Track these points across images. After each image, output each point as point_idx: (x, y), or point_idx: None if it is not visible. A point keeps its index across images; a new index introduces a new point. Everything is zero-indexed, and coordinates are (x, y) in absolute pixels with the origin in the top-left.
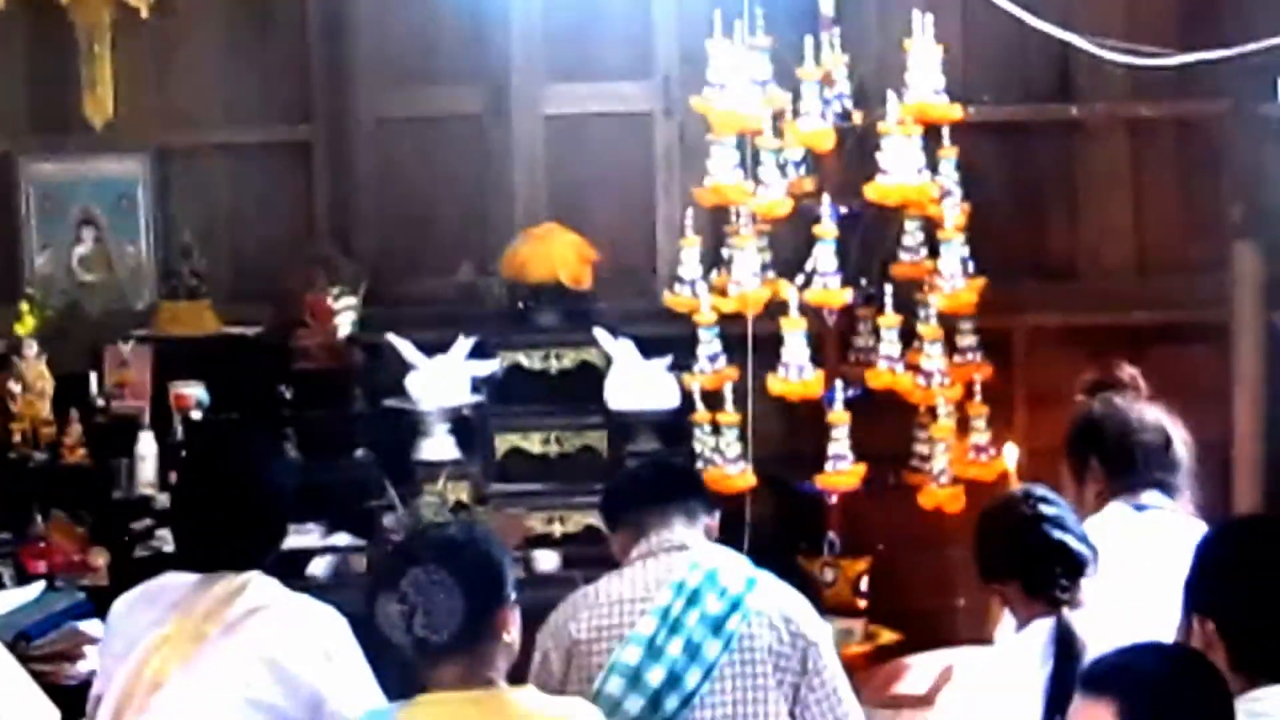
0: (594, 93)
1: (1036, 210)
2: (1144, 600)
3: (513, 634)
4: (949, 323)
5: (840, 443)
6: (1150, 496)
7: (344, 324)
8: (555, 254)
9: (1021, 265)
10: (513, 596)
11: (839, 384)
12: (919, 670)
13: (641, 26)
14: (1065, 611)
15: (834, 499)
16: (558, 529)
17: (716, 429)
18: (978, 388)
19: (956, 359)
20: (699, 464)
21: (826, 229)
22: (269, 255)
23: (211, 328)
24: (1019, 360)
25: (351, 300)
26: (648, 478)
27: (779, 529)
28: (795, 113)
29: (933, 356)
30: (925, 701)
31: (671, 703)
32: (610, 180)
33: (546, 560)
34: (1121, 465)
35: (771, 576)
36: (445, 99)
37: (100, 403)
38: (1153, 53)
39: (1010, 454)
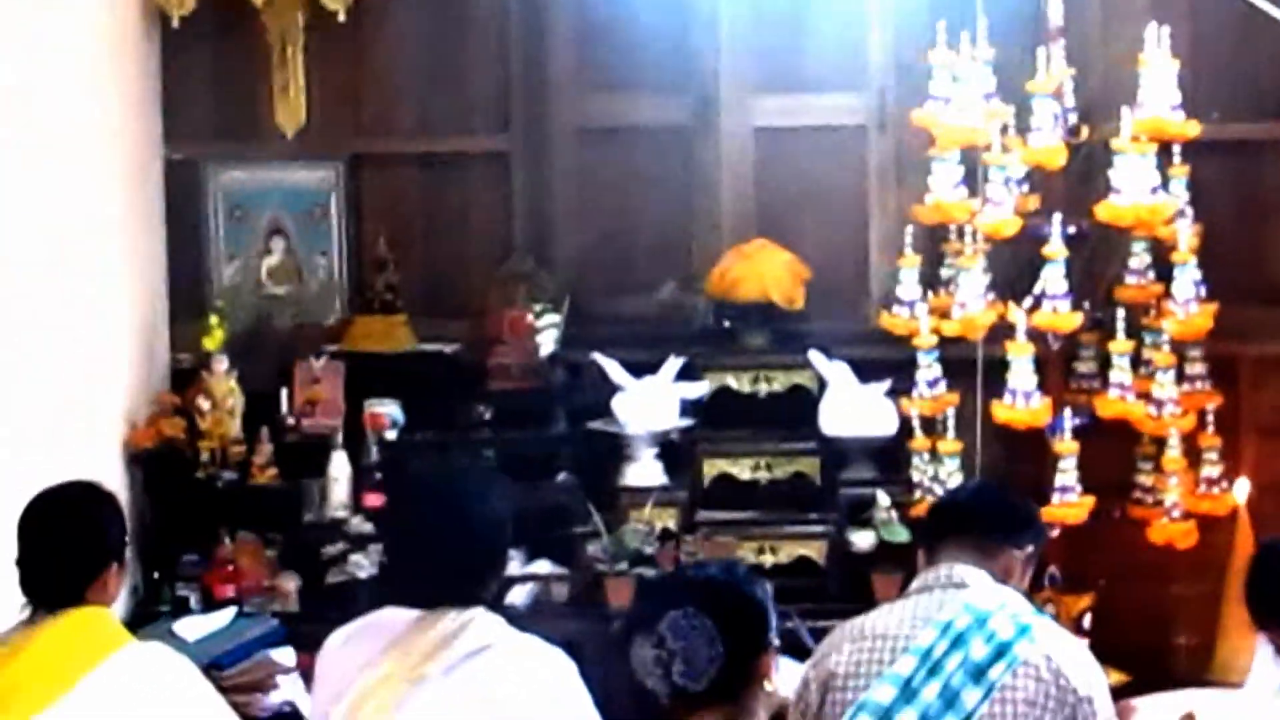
0: (804, 105)
1: (1264, 232)
2: None
3: (775, 681)
4: (1177, 349)
5: (1068, 474)
6: None
7: (545, 342)
8: (766, 272)
9: (1248, 289)
10: (775, 642)
11: (1067, 412)
12: (1150, 714)
13: (854, 37)
14: None
15: (1056, 531)
16: (769, 559)
17: (935, 456)
18: (1210, 417)
19: (1185, 387)
20: (917, 494)
21: (1056, 249)
22: (465, 269)
23: (406, 344)
24: (1245, 389)
25: (554, 318)
26: (958, 503)
27: None
28: (1018, 128)
29: (1165, 385)
30: None
31: None
32: (820, 196)
33: None
34: None
35: (1050, 623)
36: (649, 109)
37: (290, 421)
38: None
39: (1241, 488)
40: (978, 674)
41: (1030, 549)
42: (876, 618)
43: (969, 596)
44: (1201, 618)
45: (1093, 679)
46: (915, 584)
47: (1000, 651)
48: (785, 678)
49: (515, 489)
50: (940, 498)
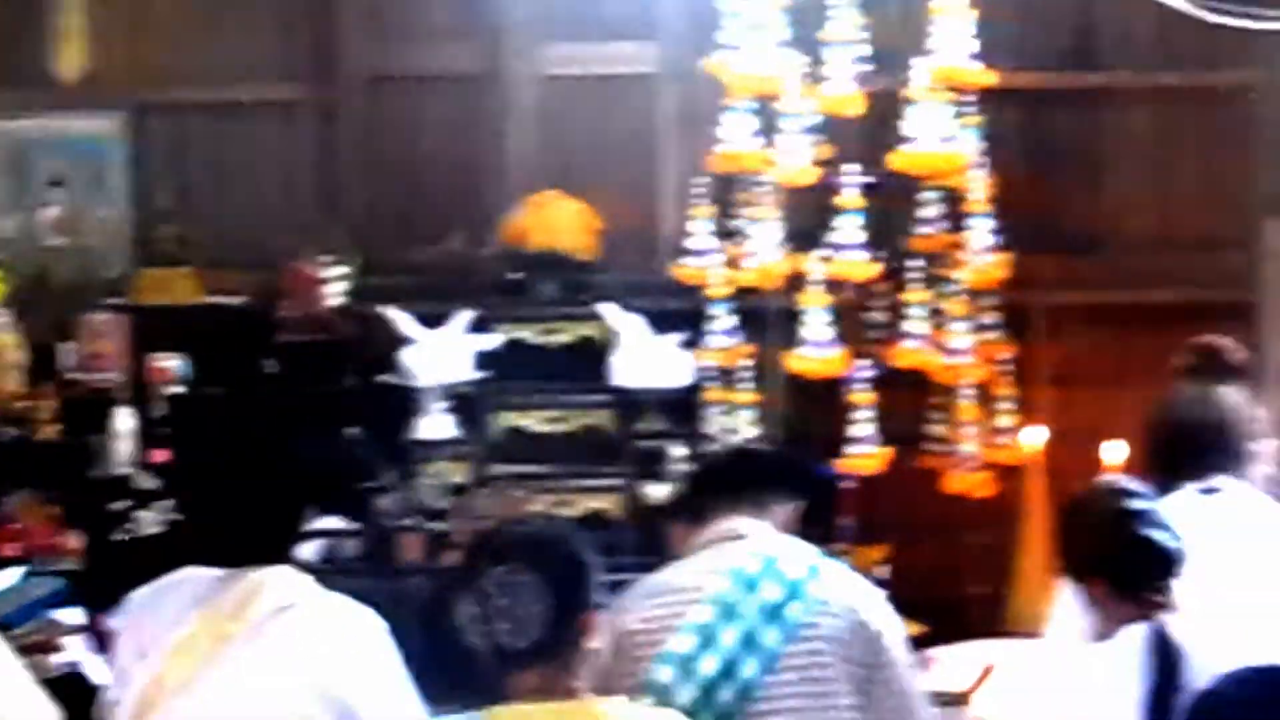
0: (594, 53)
1: (1056, 182)
2: (1228, 593)
3: (597, 640)
4: (971, 299)
5: (864, 424)
6: (1219, 480)
7: (334, 294)
8: (558, 222)
9: (1041, 239)
10: (599, 600)
11: (862, 362)
12: (949, 665)
13: None
14: (1161, 617)
15: (851, 483)
16: (563, 513)
17: (731, 408)
18: (1004, 367)
19: (979, 337)
20: (709, 446)
21: (851, 199)
22: (253, 220)
23: (192, 297)
24: (1038, 338)
25: (343, 270)
26: (718, 466)
27: None
28: (812, 77)
29: (959, 334)
30: (962, 700)
31: (727, 694)
32: (610, 146)
33: None
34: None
35: (837, 564)
36: (438, 57)
37: (74, 376)
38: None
39: (1035, 436)
40: (774, 613)
41: (801, 502)
42: (662, 576)
43: (753, 545)
44: (995, 567)
45: (885, 616)
46: (699, 540)
47: (793, 591)
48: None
49: (310, 443)
50: (698, 467)
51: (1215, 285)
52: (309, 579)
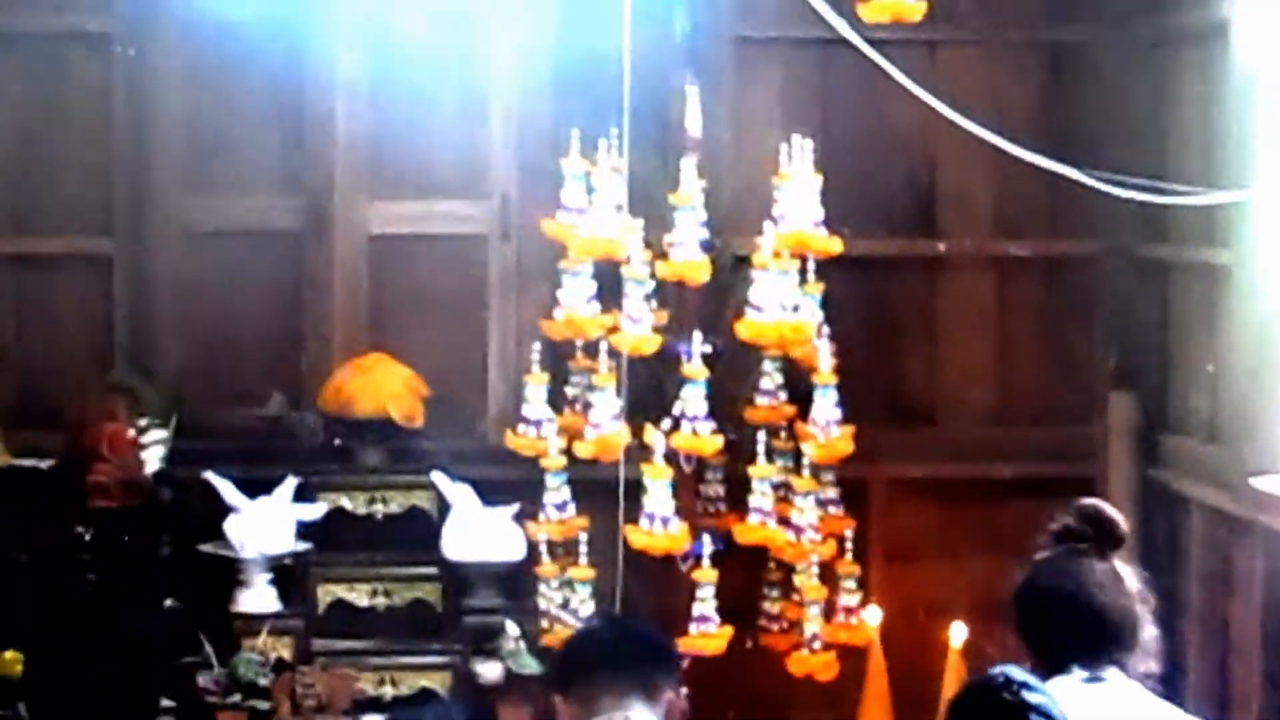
0: (423, 212)
1: (895, 352)
2: None
3: None
4: (813, 473)
5: (706, 602)
6: (1106, 668)
7: (150, 459)
8: (384, 387)
9: (878, 410)
10: None
11: (706, 538)
12: None
13: (476, 142)
14: None
15: (685, 662)
16: (389, 691)
17: (566, 583)
18: (849, 544)
19: (820, 511)
20: (544, 622)
21: (696, 369)
22: (61, 378)
23: None
24: (875, 513)
25: (160, 433)
26: (604, 639)
27: None
28: (647, 241)
29: (805, 510)
30: None
31: None
32: (438, 307)
33: None
34: (1072, 632)
35: None
36: (260, 212)
37: None
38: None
39: (873, 616)
40: None
41: (683, 690)
42: None
43: None
44: None
45: None
46: None
47: None
48: None
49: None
50: (576, 635)
51: (1056, 459)
52: None
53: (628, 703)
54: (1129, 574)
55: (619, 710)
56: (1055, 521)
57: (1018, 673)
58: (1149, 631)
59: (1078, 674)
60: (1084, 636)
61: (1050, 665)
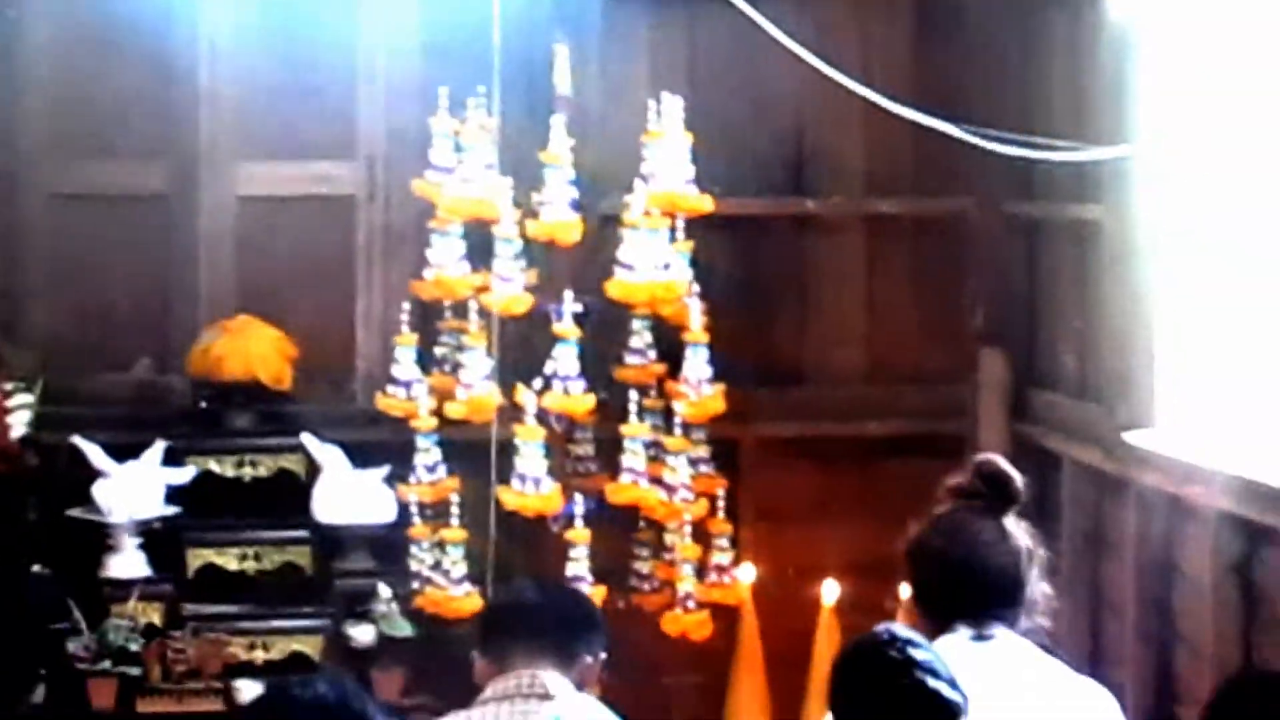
0: (291, 173)
1: (765, 311)
2: None
3: None
4: (684, 432)
5: (580, 563)
6: (993, 626)
7: (16, 423)
8: (252, 350)
9: (749, 370)
10: None
11: (578, 498)
12: None
13: (342, 103)
14: None
15: None
16: (261, 656)
17: (438, 545)
18: (721, 503)
19: (692, 471)
20: (415, 584)
21: (568, 328)
22: None
23: None
24: (746, 472)
25: (26, 398)
26: (524, 602)
27: None
28: (516, 201)
29: (678, 469)
30: None
31: None
32: (306, 269)
33: (250, 691)
34: (959, 591)
35: None
36: (126, 174)
37: None
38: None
39: (746, 574)
40: None
41: (602, 655)
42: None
43: (558, 708)
44: (703, 710)
45: None
46: (492, 691)
47: None
48: None
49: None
50: (499, 598)
51: (927, 417)
52: None
53: (539, 664)
54: (1020, 532)
55: (529, 670)
56: (952, 478)
57: (902, 630)
58: (1039, 589)
59: (964, 632)
60: (971, 595)
61: (938, 622)
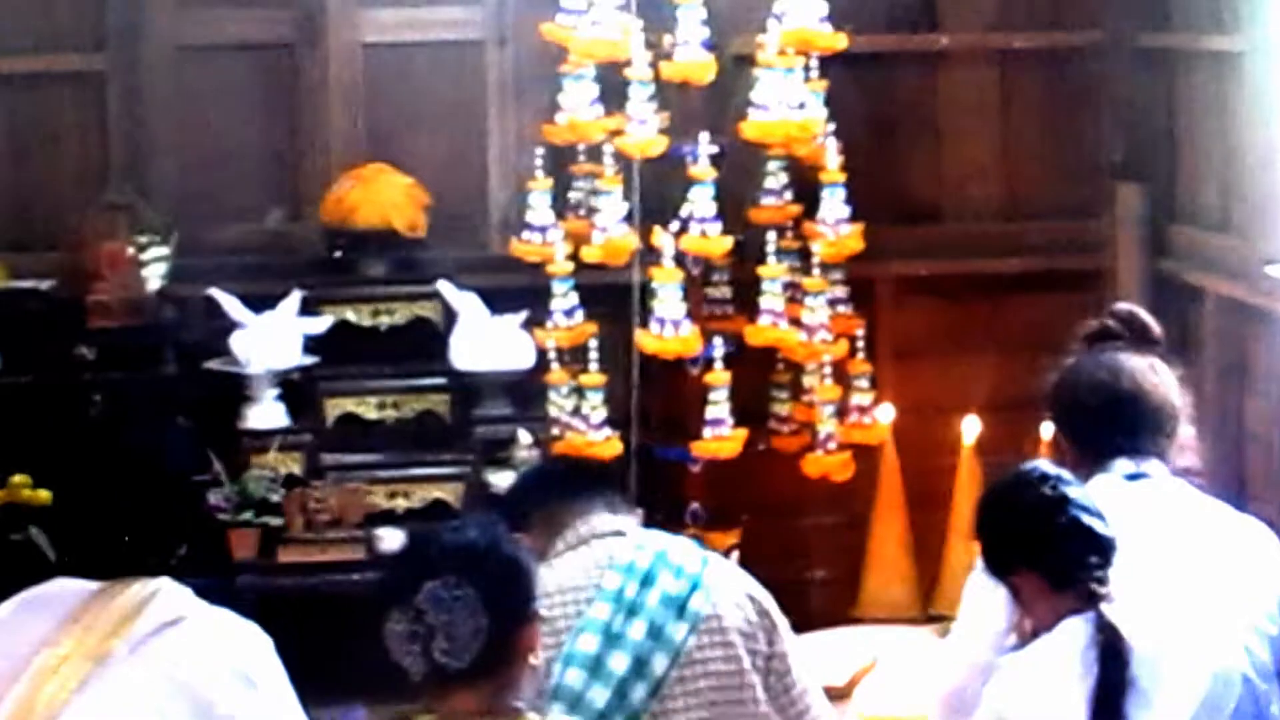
0: (416, 19)
1: (898, 149)
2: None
3: (539, 654)
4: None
5: (720, 405)
6: (1145, 464)
7: (151, 277)
8: (386, 198)
9: (883, 208)
10: (540, 611)
11: (717, 340)
12: (821, 655)
13: None
14: (1101, 608)
15: (697, 466)
16: (401, 504)
17: (576, 390)
18: (860, 343)
19: (830, 311)
20: (554, 430)
21: (704, 169)
22: (57, 199)
23: None
24: (883, 311)
25: (160, 250)
26: (560, 473)
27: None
28: (648, 42)
29: (816, 310)
30: (843, 695)
31: (639, 692)
32: (436, 116)
33: (391, 539)
34: (1122, 424)
35: (720, 557)
36: (251, 24)
37: None
38: None
39: (885, 414)
40: (680, 607)
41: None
42: (549, 574)
43: (637, 539)
44: (842, 551)
45: (775, 605)
46: (564, 542)
47: (695, 583)
48: None
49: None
50: (518, 480)
51: (1063, 253)
52: (190, 592)
53: (596, 513)
54: (1165, 370)
55: (591, 518)
56: (1086, 323)
57: (1051, 467)
58: (1186, 429)
59: (1119, 469)
60: (1126, 423)
61: (1093, 457)
